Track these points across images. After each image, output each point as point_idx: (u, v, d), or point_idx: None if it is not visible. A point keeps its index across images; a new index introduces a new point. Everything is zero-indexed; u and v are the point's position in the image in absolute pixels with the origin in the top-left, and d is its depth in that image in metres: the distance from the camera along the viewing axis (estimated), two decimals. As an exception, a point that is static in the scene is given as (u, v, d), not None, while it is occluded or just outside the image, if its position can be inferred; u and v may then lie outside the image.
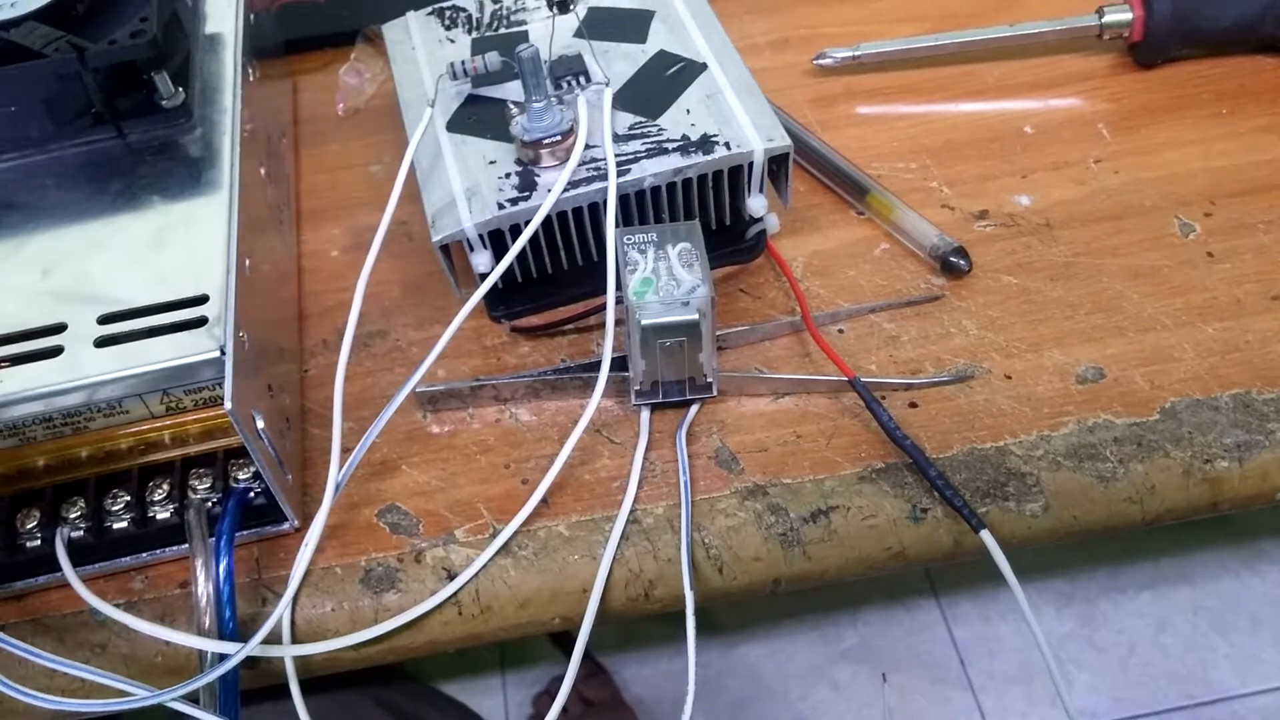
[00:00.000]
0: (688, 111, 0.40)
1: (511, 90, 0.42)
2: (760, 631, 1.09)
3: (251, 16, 0.47)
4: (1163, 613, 1.09)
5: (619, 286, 0.37)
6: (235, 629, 0.33)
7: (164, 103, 0.40)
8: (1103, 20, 0.49)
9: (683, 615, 0.34)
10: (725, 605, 1.10)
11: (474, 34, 0.45)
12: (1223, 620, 1.08)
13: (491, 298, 0.42)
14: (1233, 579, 1.11)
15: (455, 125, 0.42)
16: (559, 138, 0.39)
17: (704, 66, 0.42)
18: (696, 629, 0.34)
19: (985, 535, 0.34)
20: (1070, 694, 1.03)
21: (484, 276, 0.38)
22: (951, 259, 0.42)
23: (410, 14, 0.48)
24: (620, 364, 0.39)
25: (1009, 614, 1.09)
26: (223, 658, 0.32)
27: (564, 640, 1.04)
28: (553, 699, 1.04)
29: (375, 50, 0.55)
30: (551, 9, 0.43)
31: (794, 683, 1.06)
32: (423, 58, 0.45)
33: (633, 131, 0.40)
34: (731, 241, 0.43)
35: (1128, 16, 0.49)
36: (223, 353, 0.32)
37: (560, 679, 1.03)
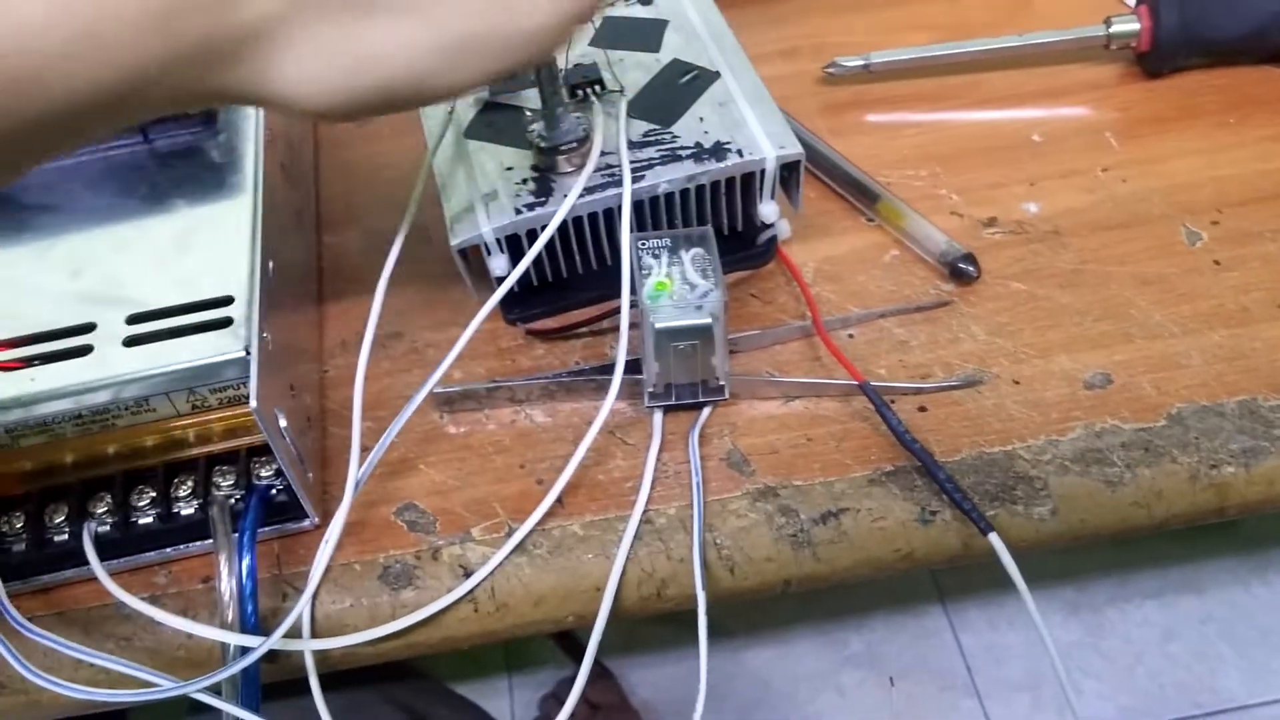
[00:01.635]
0: (701, 119, 0.41)
1: (528, 98, 0.43)
2: (767, 636, 1.09)
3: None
4: (1170, 621, 1.09)
5: (633, 290, 0.37)
6: (257, 623, 0.34)
7: (188, 110, 0.41)
8: (1110, 30, 0.50)
9: (691, 616, 0.35)
10: (733, 610, 1.11)
11: (491, 42, 0.46)
12: (1231, 629, 1.08)
13: (507, 301, 0.43)
14: (1241, 588, 1.11)
15: (473, 132, 0.43)
16: (575, 145, 0.40)
17: (717, 75, 0.43)
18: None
19: (993, 538, 0.35)
20: (1078, 702, 1.03)
21: (500, 280, 0.39)
22: (960, 265, 0.43)
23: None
24: (634, 367, 0.39)
25: (1016, 621, 1.09)
26: (245, 651, 0.33)
27: (569, 642, 1.04)
28: (559, 701, 1.04)
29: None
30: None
31: (800, 687, 1.07)
32: (441, 65, 0.45)
33: (647, 139, 0.41)
34: (743, 247, 0.43)
35: (1135, 27, 0.49)
36: (248, 353, 0.33)
37: (565, 681, 1.03)
